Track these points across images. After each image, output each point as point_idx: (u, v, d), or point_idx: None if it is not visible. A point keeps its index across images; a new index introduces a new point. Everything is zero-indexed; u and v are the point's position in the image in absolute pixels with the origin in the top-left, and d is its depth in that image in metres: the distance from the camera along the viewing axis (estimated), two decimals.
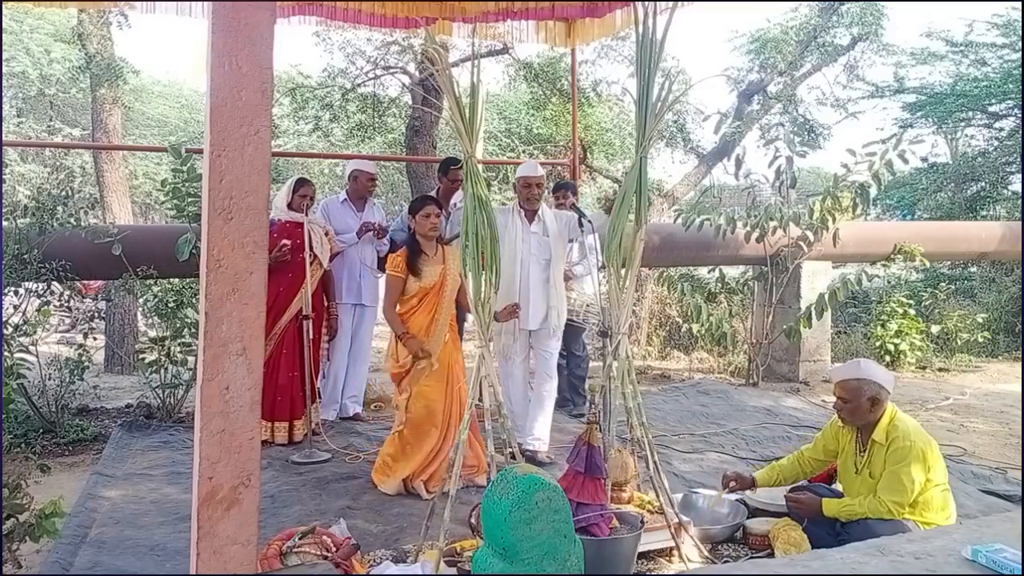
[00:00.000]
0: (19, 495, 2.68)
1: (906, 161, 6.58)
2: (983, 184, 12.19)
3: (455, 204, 5.13)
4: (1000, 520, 2.50)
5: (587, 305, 5.46)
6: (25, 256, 4.75)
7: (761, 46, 11.37)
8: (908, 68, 13.68)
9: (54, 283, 5.01)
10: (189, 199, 5.28)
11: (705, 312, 6.77)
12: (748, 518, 3.52)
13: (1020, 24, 11.62)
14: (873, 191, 6.66)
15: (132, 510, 3.78)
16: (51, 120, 17.69)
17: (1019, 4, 11.35)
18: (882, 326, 7.98)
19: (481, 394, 3.32)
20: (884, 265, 7.61)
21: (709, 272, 7.52)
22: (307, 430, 4.75)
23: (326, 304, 5.17)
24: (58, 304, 5.29)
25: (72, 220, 5.02)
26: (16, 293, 4.85)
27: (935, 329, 8.37)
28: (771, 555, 3.24)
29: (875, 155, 6.39)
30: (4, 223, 4.79)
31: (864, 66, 12.12)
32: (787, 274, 6.88)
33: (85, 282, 5.86)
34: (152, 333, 5.59)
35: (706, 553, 3.30)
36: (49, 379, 5.12)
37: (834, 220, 6.64)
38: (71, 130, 17.68)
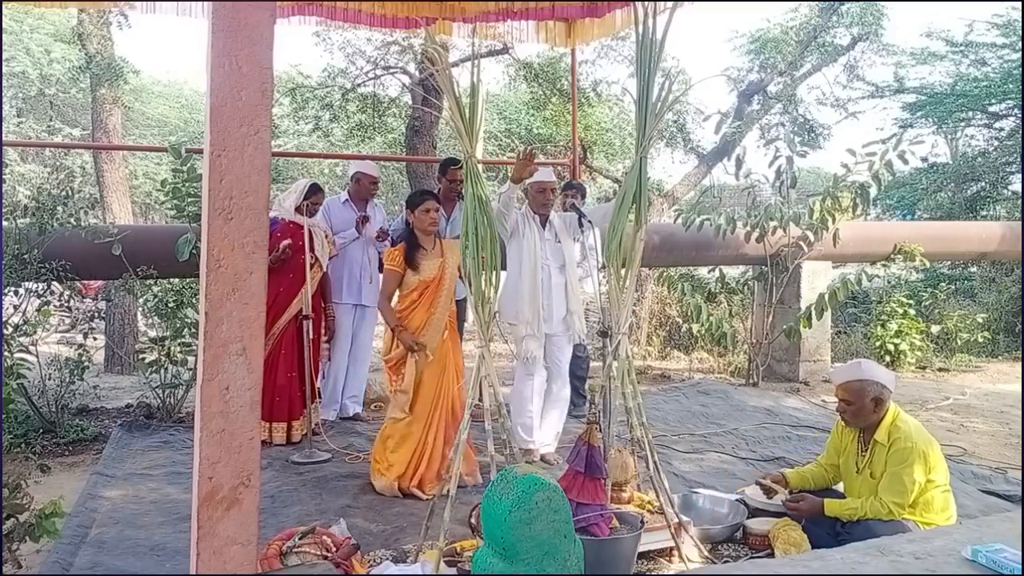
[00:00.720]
0: (19, 495, 2.67)
1: (906, 161, 6.58)
2: (983, 184, 12.19)
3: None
4: (1000, 520, 2.50)
5: (587, 305, 5.47)
6: (25, 256, 4.75)
7: (761, 46, 11.38)
8: (908, 68, 13.70)
9: (54, 283, 5.01)
10: (189, 199, 5.28)
11: (705, 312, 6.77)
12: (748, 518, 3.52)
13: (1020, 24, 11.62)
14: (873, 191, 6.66)
15: (132, 510, 3.78)
16: (51, 120, 17.70)
17: (1019, 4, 11.35)
18: (882, 326, 7.98)
19: (481, 394, 3.32)
20: (884, 265, 7.61)
21: (709, 272, 7.51)
22: (306, 430, 4.75)
23: (323, 305, 5.17)
24: (58, 304, 5.28)
25: (72, 220, 5.02)
26: (16, 293, 4.85)
27: (935, 329, 8.37)
28: (771, 555, 3.24)
29: (875, 155, 6.39)
30: (4, 223, 4.79)
31: (864, 66, 12.14)
32: (787, 274, 6.88)
33: (85, 282, 5.86)
34: (152, 333, 5.59)
35: (706, 553, 3.30)
36: (49, 379, 5.12)
37: (834, 220, 6.64)
38: (71, 130, 17.68)
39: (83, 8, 8.27)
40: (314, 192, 5.03)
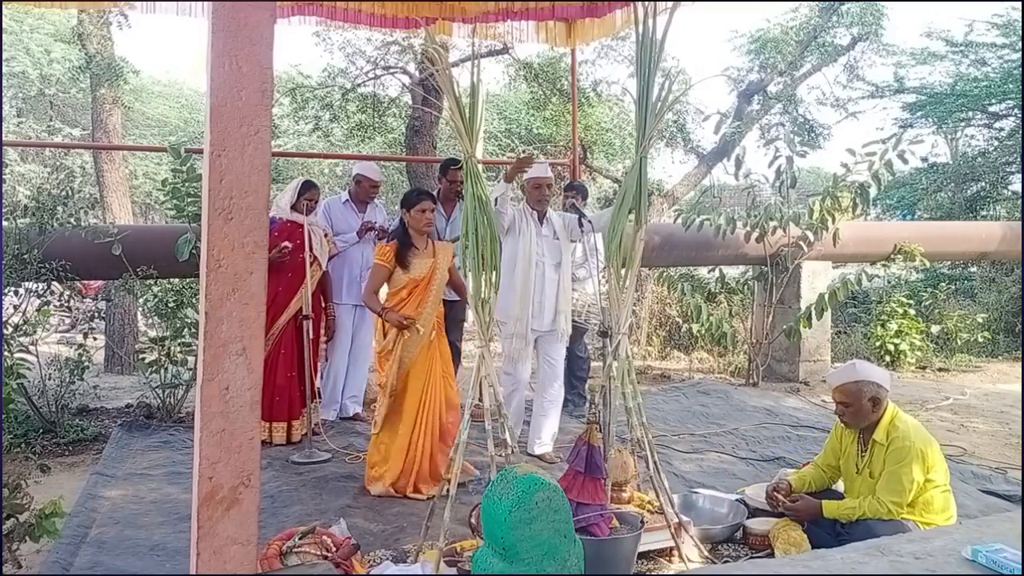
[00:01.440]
0: (19, 495, 2.67)
1: (906, 161, 6.58)
2: (983, 184, 12.19)
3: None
4: (1000, 520, 2.50)
5: (588, 306, 5.46)
6: (25, 256, 4.75)
7: (761, 46, 11.38)
8: (908, 68, 13.70)
9: (54, 283, 5.01)
10: (189, 199, 5.27)
11: (705, 312, 6.77)
12: (748, 518, 3.52)
13: (1020, 24, 11.62)
14: (873, 191, 6.66)
15: (132, 510, 3.78)
16: (51, 120, 17.69)
17: (1019, 4, 11.35)
18: (882, 326, 7.98)
19: (481, 394, 3.32)
20: (884, 265, 7.61)
21: (709, 272, 7.51)
22: (306, 430, 4.75)
23: (324, 305, 5.17)
24: (58, 304, 5.28)
25: (72, 220, 5.02)
26: (16, 293, 4.85)
27: (935, 329, 8.37)
28: (771, 555, 3.24)
29: (875, 155, 6.39)
30: (4, 223, 4.79)
31: (864, 66, 12.14)
32: (787, 274, 6.88)
33: (85, 282, 5.86)
34: (152, 333, 5.59)
35: (706, 553, 3.30)
36: (49, 379, 5.12)
37: (834, 220, 6.64)
38: (71, 130, 17.68)
39: (83, 8, 8.27)
40: (307, 188, 5.03)
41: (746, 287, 7.40)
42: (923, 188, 12.89)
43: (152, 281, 5.37)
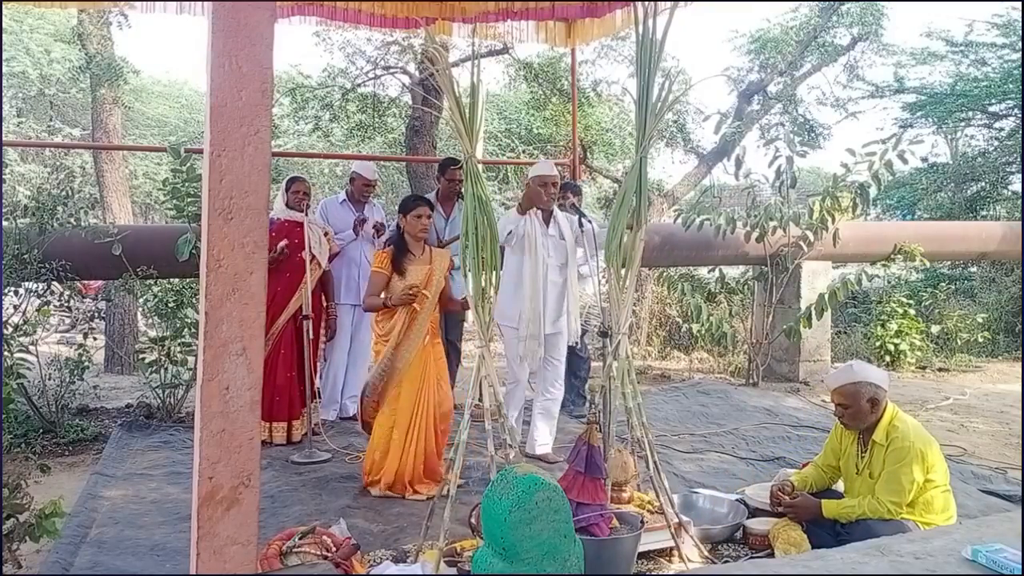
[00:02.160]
0: (19, 495, 2.67)
1: (906, 161, 6.58)
2: (983, 184, 12.18)
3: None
4: (1000, 520, 2.50)
5: (588, 307, 5.46)
6: (25, 256, 4.75)
7: (761, 46, 11.38)
8: (908, 68, 13.68)
9: (54, 283, 5.01)
10: (189, 199, 5.27)
11: (705, 312, 6.77)
12: (748, 518, 3.52)
13: (1020, 24, 11.61)
14: (873, 191, 6.66)
15: (132, 510, 3.78)
16: (51, 120, 17.69)
17: (1019, 4, 11.35)
18: (882, 326, 7.98)
19: (481, 394, 3.32)
20: (884, 265, 7.61)
21: (709, 272, 7.51)
22: (306, 430, 4.75)
23: (325, 305, 5.17)
24: (58, 304, 5.29)
25: (72, 220, 5.02)
26: (16, 293, 4.85)
27: (935, 329, 8.37)
28: (771, 555, 3.24)
29: (875, 155, 6.39)
30: (4, 223, 4.79)
31: (864, 66, 12.13)
32: (787, 274, 6.88)
33: (85, 282, 5.86)
34: (152, 333, 5.59)
35: (706, 553, 3.30)
36: (49, 379, 5.12)
37: (834, 220, 6.63)
38: (71, 130, 17.67)
39: (83, 8, 8.27)
40: (293, 182, 5.06)
41: (746, 287, 7.40)
42: (923, 188, 12.89)
43: (152, 281, 5.36)
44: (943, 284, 9.73)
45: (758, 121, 11.76)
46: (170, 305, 5.28)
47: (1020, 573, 1.87)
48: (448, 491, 3.14)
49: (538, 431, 4.61)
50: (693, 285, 7.10)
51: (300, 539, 2.87)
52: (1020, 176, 12.27)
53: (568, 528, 2.08)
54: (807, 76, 11.82)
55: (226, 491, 1.72)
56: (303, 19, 5.81)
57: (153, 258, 5.22)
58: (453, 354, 5.74)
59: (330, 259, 5.13)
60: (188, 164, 5.32)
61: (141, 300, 5.48)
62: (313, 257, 4.87)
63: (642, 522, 3.11)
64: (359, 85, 10.85)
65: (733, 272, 7.66)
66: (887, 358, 7.81)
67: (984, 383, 7.33)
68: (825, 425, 5.14)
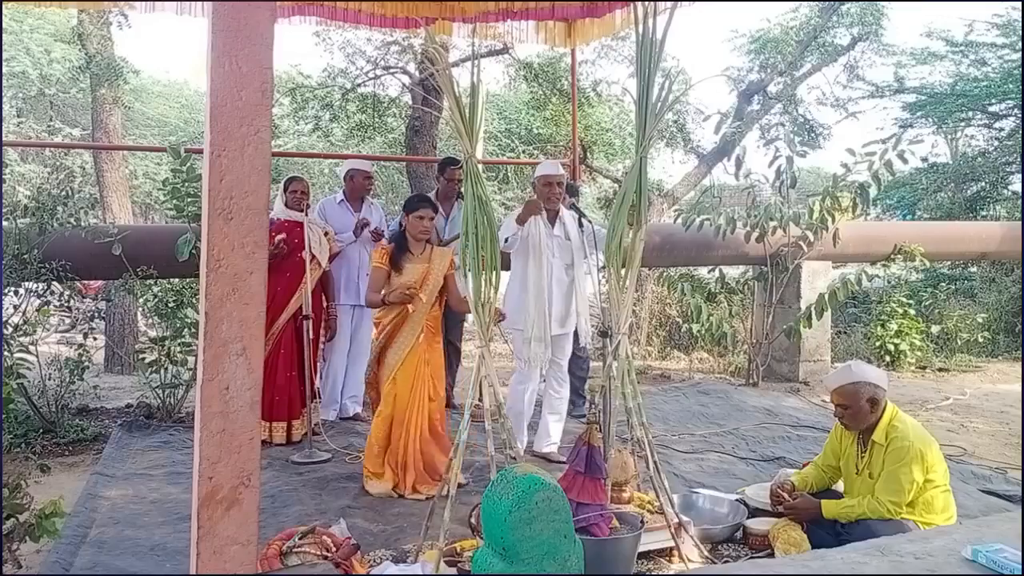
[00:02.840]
0: (19, 495, 2.67)
1: (906, 161, 6.58)
2: (983, 184, 12.19)
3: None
4: (1000, 520, 2.50)
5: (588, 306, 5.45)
6: (25, 256, 4.75)
7: (761, 46, 11.38)
8: (908, 68, 13.69)
9: (54, 283, 5.01)
10: (189, 199, 5.27)
11: (705, 312, 6.76)
12: (748, 518, 3.52)
13: (1020, 24, 11.61)
14: (873, 191, 6.65)
15: (132, 510, 3.78)
16: (51, 120, 17.69)
17: (1019, 4, 11.35)
18: (882, 326, 7.98)
19: (481, 394, 3.32)
20: (884, 265, 7.61)
21: (709, 272, 7.51)
22: (306, 430, 4.75)
23: (325, 305, 5.17)
24: (58, 304, 5.28)
25: (72, 220, 5.02)
26: (16, 293, 4.85)
27: (935, 329, 8.37)
28: (771, 555, 3.24)
29: (875, 155, 6.38)
30: (4, 223, 4.79)
31: (864, 66, 12.14)
32: (787, 274, 6.88)
33: (85, 282, 5.86)
34: (152, 333, 5.59)
35: (706, 553, 3.29)
36: (49, 379, 5.12)
37: (834, 220, 6.63)
38: (71, 130, 17.68)
39: (83, 8, 8.27)
40: (291, 182, 5.08)
41: (746, 287, 7.40)
42: (923, 188, 12.89)
43: (152, 281, 5.36)
44: (943, 284, 9.73)
45: (758, 121, 11.76)
46: (170, 305, 5.28)
47: (1020, 573, 1.87)
48: (448, 491, 3.14)
49: (546, 430, 4.61)
50: (693, 285, 7.10)
51: (300, 539, 2.86)
52: (1020, 176, 12.27)
53: (568, 528, 2.08)
54: (807, 76, 11.82)
55: (226, 491, 1.72)
56: (303, 19, 5.80)
57: (153, 258, 5.22)
58: (453, 354, 5.75)
59: (330, 259, 5.13)
60: (188, 164, 5.32)
61: (141, 300, 5.48)
62: (313, 257, 4.87)
63: (642, 522, 3.11)
64: (359, 85, 10.85)
65: (733, 272, 7.66)
66: (887, 358, 7.81)
67: (984, 383, 7.33)
68: (825, 425, 5.13)
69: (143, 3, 5.46)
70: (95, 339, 5.63)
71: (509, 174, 15.04)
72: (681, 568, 3.21)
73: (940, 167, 13.33)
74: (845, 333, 9.03)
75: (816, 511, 3.24)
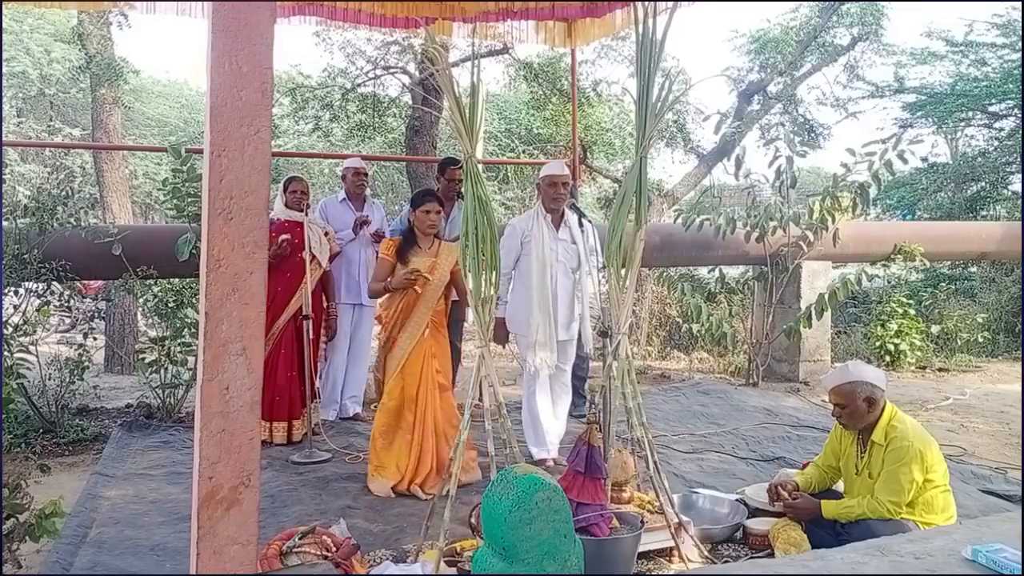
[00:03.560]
0: (19, 495, 2.67)
1: (906, 161, 6.58)
2: (983, 184, 12.18)
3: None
4: (1000, 520, 2.50)
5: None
6: (25, 256, 4.75)
7: (761, 46, 11.38)
8: (908, 68, 13.68)
9: (54, 283, 5.01)
10: (189, 199, 5.27)
11: (705, 312, 6.76)
12: (748, 518, 3.52)
13: (1020, 24, 11.62)
14: (873, 191, 6.65)
15: (132, 510, 3.78)
16: (51, 120, 17.69)
17: (1019, 4, 11.35)
18: (882, 326, 7.98)
19: (481, 394, 3.32)
20: (884, 265, 7.61)
21: (709, 272, 7.51)
22: (306, 430, 4.75)
23: (325, 305, 5.17)
24: (58, 304, 5.28)
25: (72, 220, 5.02)
26: (16, 293, 4.85)
27: (935, 329, 8.36)
28: (771, 555, 3.24)
29: (875, 155, 6.39)
30: (4, 223, 4.79)
31: (864, 66, 12.14)
32: (787, 274, 6.88)
33: (85, 282, 5.86)
34: (152, 333, 5.59)
35: (706, 553, 3.30)
36: (49, 379, 5.12)
37: (834, 220, 6.63)
38: (71, 130, 17.68)
39: (83, 8, 8.26)
40: (291, 182, 5.08)
41: (746, 287, 7.40)
42: (923, 188, 12.89)
43: (152, 281, 5.36)
44: (943, 284, 9.72)
45: (758, 121, 11.77)
46: (170, 305, 5.28)
47: (1020, 573, 1.87)
48: (448, 491, 3.14)
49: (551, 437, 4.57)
50: (693, 285, 7.10)
51: (300, 539, 2.86)
52: (1020, 176, 12.27)
53: (568, 528, 2.08)
54: (807, 76, 11.82)
55: (226, 491, 1.72)
56: (303, 19, 5.80)
57: (153, 258, 5.22)
58: (453, 354, 5.75)
59: (331, 259, 5.13)
60: (188, 164, 5.32)
61: (141, 300, 5.48)
62: (313, 257, 4.87)
63: (642, 522, 3.11)
64: (359, 85, 10.85)
65: (733, 272, 7.66)
66: (887, 358, 7.81)
67: (984, 383, 7.32)
68: (825, 425, 5.13)
69: (143, 3, 5.46)
70: (95, 339, 5.63)
71: (509, 174, 15.05)
72: (681, 568, 3.21)
73: (940, 167, 13.33)
74: (845, 333, 9.03)
75: (816, 511, 3.25)
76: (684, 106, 11.70)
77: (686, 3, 4.78)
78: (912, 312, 8.03)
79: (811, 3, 11.29)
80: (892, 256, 7.49)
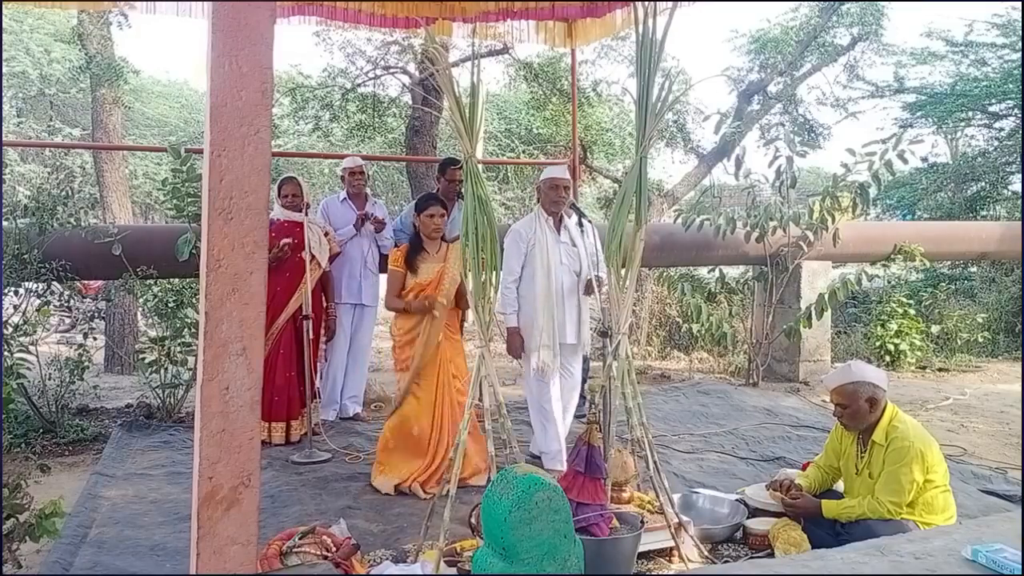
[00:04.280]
0: (19, 495, 2.67)
1: (906, 161, 6.58)
2: (983, 184, 12.17)
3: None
4: (1000, 520, 2.50)
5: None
6: (25, 256, 4.75)
7: (761, 46, 11.38)
8: (908, 68, 13.68)
9: (54, 283, 5.01)
10: (189, 199, 5.28)
11: (705, 312, 6.76)
12: (748, 518, 3.52)
13: (1020, 24, 11.61)
14: (873, 191, 6.65)
15: (132, 510, 3.78)
16: (51, 120, 17.70)
17: (1019, 4, 11.35)
18: (882, 326, 7.97)
19: (481, 394, 3.32)
20: (884, 265, 7.60)
21: (709, 272, 7.51)
22: (305, 430, 4.75)
23: (324, 305, 5.17)
24: (58, 304, 5.28)
25: (72, 220, 5.02)
26: (16, 293, 4.85)
27: (935, 329, 8.36)
28: (771, 555, 3.24)
29: (875, 155, 6.38)
30: (4, 223, 4.79)
31: (864, 66, 12.14)
32: (787, 274, 6.88)
33: (85, 282, 5.86)
34: (152, 333, 5.59)
35: (706, 553, 3.30)
36: (49, 379, 5.12)
37: (834, 220, 6.63)
38: (71, 130, 17.69)
39: (83, 8, 8.26)
40: (283, 185, 5.07)
41: (746, 287, 7.40)
42: (923, 188, 12.88)
43: (152, 281, 5.36)
44: (943, 284, 9.71)
45: (758, 121, 11.76)
46: (170, 305, 5.28)
47: (1020, 573, 1.87)
48: (448, 491, 3.14)
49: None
50: (693, 285, 7.10)
51: (300, 539, 2.86)
52: (1020, 176, 12.27)
53: (568, 528, 2.08)
54: (807, 76, 11.82)
55: (226, 491, 1.72)
56: (303, 19, 5.80)
57: (153, 258, 5.22)
58: None
59: (331, 259, 5.13)
60: (188, 164, 5.32)
61: (141, 300, 5.48)
62: (313, 257, 4.87)
63: (642, 522, 3.11)
64: (359, 85, 10.86)
65: (733, 272, 7.66)
66: (887, 358, 7.81)
67: (984, 383, 7.32)
68: (825, 425, 5.14)
69: (143, 3, 5.46)
70: (95, 339, 5.63)
71: (509, 174, 15.04)
72: (681, 568, 3.21)
73: (940, 167, 13.33)
74: (845, 333, 9.03)
75: (816, 510, 3.25)
76: (684, 106, 11.70)
77: (686, 3, 4.78)
78: (912, 312, 8.03)
79: (811, 3, 11.29)
80: (892, 256, 7.49)
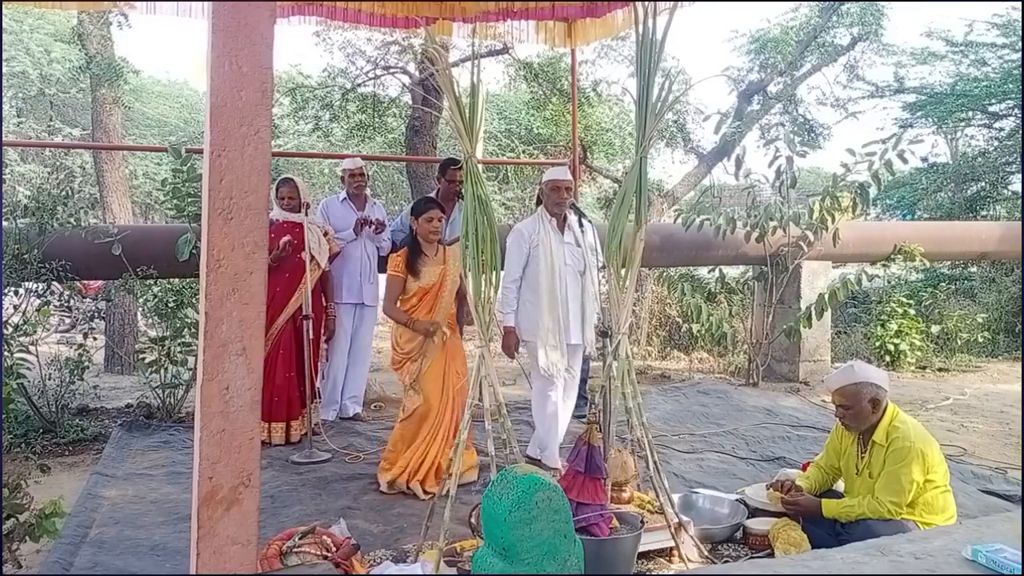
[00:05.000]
0: (19, 495, 2.68)
1: (906, 161, 6.57)
2: (983, 184, 12.18)
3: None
4: (1000, 520, 2.50)
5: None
6: (25, 256, 4.75)
7: (761, 46, 11.39)
8: (908, 68, 13.69)
9: (54, 283, 5.01)
10: (189, 199, 5.28)
11: (705, 312, 6.76)
12: (748, 518, 3.52)
13: (1020, 24, 11.62)
14: (873, 191, 6.65)
15: (132, 510, 3.78)
16: (51, 120, 17.70)
17: (1019, 4, 11.35)
18: (882, 326, 7.98)
19: (481, 394, 3.32)
20: (884, 265, 7.60)
21: (709, 272, 7.51)
22: (305, 430, 4.75)
23: (324, 305, 5.17)
24: (58, 304, 5.29)
25: (72, 220, 5.02)
26: (16, 293, 4.85)
27: (935, 329, 8.36)
28: (771, 555, 3.24)
29: (875, 155, 6.38)
30: (4, 223, 4.79)
31: (864, 66, 12.16)
32: (787, 274, 6.88)
33: (85, 282, 5.86)
34: (152, 333, 5.59)
35: (706, 553, 3.30)
36: (49, 379, 5.12)
37: (834, 220, 6.63)
38: (71, 130, 17.69)
39: (83, 8, 8.26)
40: (280, 187, 5.07)
41: (746, 287, 7.40)
42: (923, 188, 12.88)
43: (152, 281, 5.36)
44: (943, 284, 9.72)
45: (758, 121, 11.78)
46: (170, 305, 5.28)
47: (1020, 573, 1.87)
48: (448, 491, 3.14)
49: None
50: (693, 285, 7.10)
51: (300, 539, 2.86)
52: (1020, 176, 12.27)
53: (568, 528, 2.08)
54: (807, 76, 11.84)
55: (226, 491, 1.72)
56: (303, 19, 5.80)
57: (153, 258, 5.21)
58: None
59: (330, 259, 5.13)
60: (188, 164, 5.32)
61: (141, 300, 5.48)
62: (313, 257, 4.87)
63: (642, 522, 3.11)
64: (359, 85, 10.87)
65: (733, 272, 7.66)
66: (887, 358, 7.81)
67: (984, 383, 7.32)
68: (825, 425, 5.14)
69: (143, 3, 5.46)
70: (95, 339, 5.63)
71: (509, 174, 15.04)
72: (681, 568, 3.21)
73: (940, 167, 13.33)
74: (845, 333, 9.03)
75: (816, 510, 3.25)
76: (684, 106, 11.71)
77: (686, 3, 4.78)
78: (912, 312, 8.03)
79: (811, 3, 11.30)
80: (892, 256, 7.48)
